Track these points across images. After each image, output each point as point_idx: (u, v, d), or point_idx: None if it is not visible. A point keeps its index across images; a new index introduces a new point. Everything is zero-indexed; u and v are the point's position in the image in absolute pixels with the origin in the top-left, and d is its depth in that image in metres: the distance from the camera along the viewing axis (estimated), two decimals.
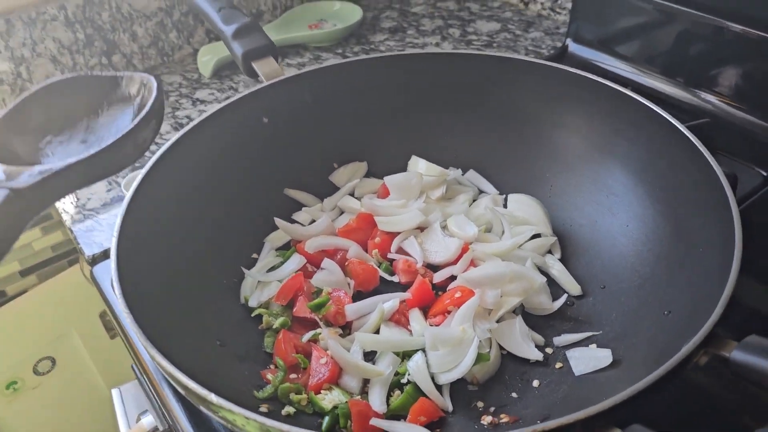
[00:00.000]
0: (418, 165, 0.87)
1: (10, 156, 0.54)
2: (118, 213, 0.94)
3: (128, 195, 0.68)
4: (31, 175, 0.50)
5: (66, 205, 0.99)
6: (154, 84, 0.58)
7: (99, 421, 1.50)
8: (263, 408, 0.62)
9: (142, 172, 0.70)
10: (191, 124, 0.77)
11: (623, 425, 0.45)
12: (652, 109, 0.74)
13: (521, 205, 0.82)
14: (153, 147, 1.08)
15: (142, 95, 0.60)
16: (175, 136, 0.75)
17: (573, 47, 1.20)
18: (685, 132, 0.71)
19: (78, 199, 1.00)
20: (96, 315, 1.48)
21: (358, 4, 1.44)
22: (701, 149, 0.68)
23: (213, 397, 0.48)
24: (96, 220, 0.96)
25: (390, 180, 0.83)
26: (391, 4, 1.53)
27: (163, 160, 0.73)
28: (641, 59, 1.09)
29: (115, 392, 0.99)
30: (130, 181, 0.99)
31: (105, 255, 0.91)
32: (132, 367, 0.95)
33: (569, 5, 1.34)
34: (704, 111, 1.00)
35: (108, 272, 0.86)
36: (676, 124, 0.72)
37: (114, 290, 0.59)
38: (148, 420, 0.81)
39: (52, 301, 1.43)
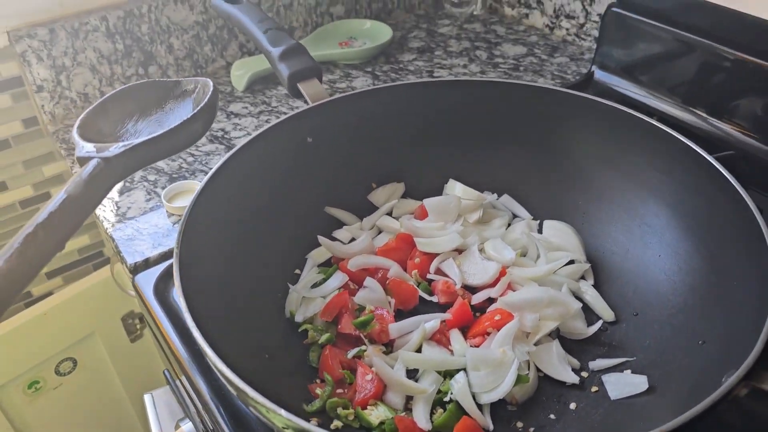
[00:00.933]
0: (455, 188, 0.90)
1: (98, 137, 0.70)
2: (158, 222, 0.99)
3: (186, 210, 0.70)
4: (116, 148, 0.66)
5: (106, 213, 1.02)
6: (210, 84, 0.74)
7: (118, 421, 1.52)
8: (314, 421, 0.64)
9: (199, 187, 0.73)
10: (242, 143, 0.80)
11: None
12: (682, 141, 0.77)
13: (556, 231, 0.85)
14: (198, 162, 1.11)
15: (200, 93, 0.75)
16: (226, 155, 0.78)
17: (598, 74, 1.24)
18: (715, 164, 0.73)
19: (118, 207, 1.03)
20: (118, 319, 1.51)
21: (387, 23, 1.48)
22: (733, 182, 0.71)
23: (283, 413, 0.51)
24: (136, 228, 0.99)
25: (429, 202, 0.86)
26: (419, 24, 1.56)
27: (216, 176, 0.76)
28: (664, 88, 1.12)
29: (147, 398, 1.02)
30: (170, 191, 1.02)
31: (146, 264, 0.93)
32: (164, 372, 0.98)
33: (594, 32, 1.37)
34: (725, 142, 1.03)
35: (150, 280, 0.89)
36: (706, 156, 0.74)
37: (180, 303, 0.61)
38: (188, 427, 0.83)
39: (76, 304, 1.45)
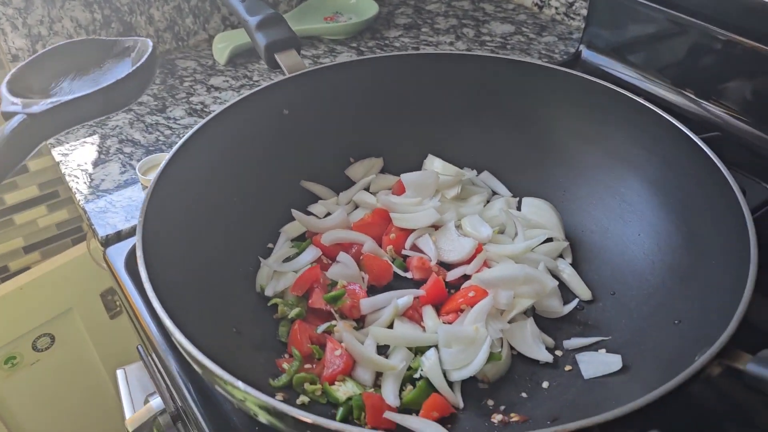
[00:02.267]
0: (434, 164, 0.88)
1: (28, 93, 0.68)
2: (132, 195, 0.97)
3: (153, 179, 0.68)
4: (44, 105, 0.64)
5: (80, 185, 1.00)
6: (150, 44, 0.73)
7: (96, 398, 1.51)
8: (279, 396, 0.63)
9: (167, 157, 0.71)
10: (214, 113, 0.78)
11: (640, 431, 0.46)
12: (668, 120, 0.76)
13: (535, 208, 0.84)
14: (175, 135, 1.09)
15: (139, 53, 0.74)
16: (198, 124, 0.76)
17: (586, 54, 1.22)
18: (700, 144, 0.72)
19: (92, 179, 1.01)
20: (97, 295, 1.49)
21: None
22: (717, 162, 0.69)
23: (240, 385, 0.49)
24: (109, 201, 0.97)
25: (407, 177, 0.84)
26: (406, 1, 1.54)
27: (186, 147, 0.74)
28: (652, 69, 1.10)
29: (120, 373, 1.00)
30: (146, 164, 1.00)
31: (119, 236, 0.92)
32: (138, 348, 0.96)
33: (583, 11, 1.35)
34: (712, 123, 1.01)
35: (121, 254, 0.87)
36: (692, 136, 0.73)
37: (140, 272, 0.59)
38: (157, 402, 0.82)
39: (54, 279, 1.43)
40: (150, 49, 0.72)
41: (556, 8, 1.42)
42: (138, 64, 0.70)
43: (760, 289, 0.56)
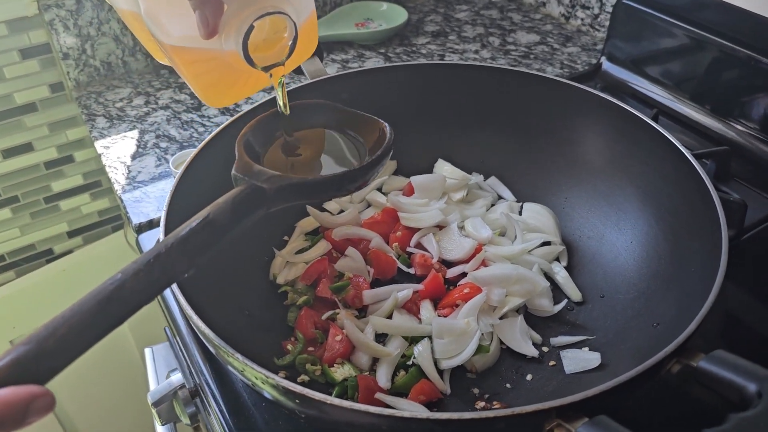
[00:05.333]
0: (444, 168, 0.94)
1: (256, 156, 0.65)
2: (165, 187, 1.05)
3: (179, 173, 0.75)
4: (275, 181, 0.59)
5: (118, 176, 1.08)
6: (388, 129, 0.67)
7: (129, 375, 1.60)
8: (281, 374, 0.69)
9: (193, 153, 0.78)
10: (239, 113, 0.85)
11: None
12: (665, 136, 0.79)
13: (535, 213, 0.88)
14: (208, 132, 1.17)
15: (375, 135, 0.68)
16: (224, 123, 0.83)
17: (606, 65, 1.25)
18: (692, 162, 0.75)
19: (129, 171, 1.09)
20: None
21: (404, 6, 1.51)
22: (705, 180, 0.72)
23: (239, 357, 0.56)
24: (144, 191, 1.05)
25: (416, 180, 0.90)
26: (436, 9, 1.59)
27: (211, 144, 0.80)
28: (671, 83, 1.13)
29: (147, 351, 1.08)
30: (178, 158, 1.07)
31: (150, 225, 0.99)
32: (165, 329, 1.04)
33: (608, 23, 1.38)
34: (727, 139, 1.04)
35: (152, 241, 0.95)
36: (685, 153, 0.76)
37: None
38: (177, 377, 0.89)
39: (95, 263, 1.53)
40: (388, 135, 0.66)
41: (582, 19, 1.45)
42: (378, 152, 0.64)
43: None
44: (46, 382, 0.42)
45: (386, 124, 0.68)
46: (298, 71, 0.93)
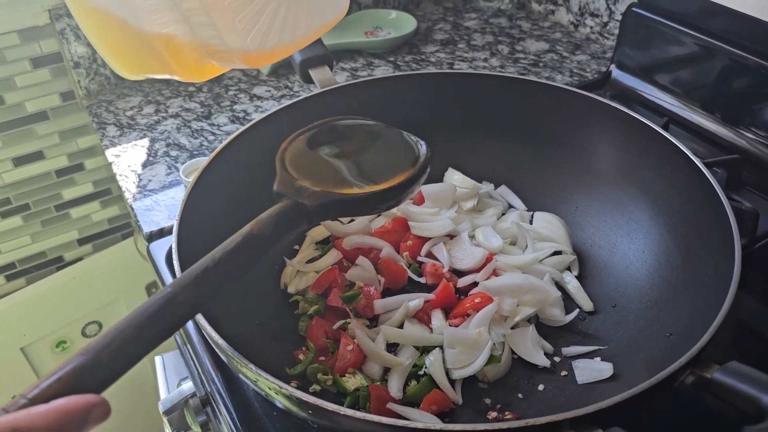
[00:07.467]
0: (454, 177, 0.94)
1: (300, 172, 0.66)
2: (175, 195, 1.05)
3: (192, 181, 0.76)
4: (317, 197, 0.61)
5: (129, 184, 1.09)
6: (424, 147, 0.71)
7: (139, 383, 1.60)
8: (293, 383, 0.69)
9: (204, 163, 0.78)
10: (251, 122, 0.85)
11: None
12: (675, 145, 0.79)
13: (546, 223, 0.88)
14: (218, 140, 1.17)
15: (412, 151, 0.71)
16: (236, 132, 0.83)
17: (616, 73, 1.25)
18: (704, 170, 0.75)
19: (140, 179, 1.10)
20: (142, 287, 1.59)
21: (413, 14, 1.51)
22: (717, 189, 0.72)
23: (252, 367, 0.56)
24: (155, 200, 1.05)
25: (426, 189, 0.90)
26: (445, 17, 1.59)
27: (223, 153, 0.81)
28: (681, 91, 1.13)
29: (158, 359, 1.08)
30: (189, 166, 1.08)
31: (161, 233, 1.00)
32: (175, 338, 1.04)
33: (617, 31, 1.38)
34: (738, 147, 1.04)
35: (163, 249, 0.95)
36: (696, 162, 0.76)
37: (174, 267, 0.66)
38: (188, 386, 0.89)
39: (104, 271, 1.54)
40: (423, 153, 0.69)
41: (591, 27, 1.45)
42: (416, 168, 0.67)
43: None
44: (102, 392, 0.44)
45: (423, 142, 0.70)
46: (309, 80, 0.93)
